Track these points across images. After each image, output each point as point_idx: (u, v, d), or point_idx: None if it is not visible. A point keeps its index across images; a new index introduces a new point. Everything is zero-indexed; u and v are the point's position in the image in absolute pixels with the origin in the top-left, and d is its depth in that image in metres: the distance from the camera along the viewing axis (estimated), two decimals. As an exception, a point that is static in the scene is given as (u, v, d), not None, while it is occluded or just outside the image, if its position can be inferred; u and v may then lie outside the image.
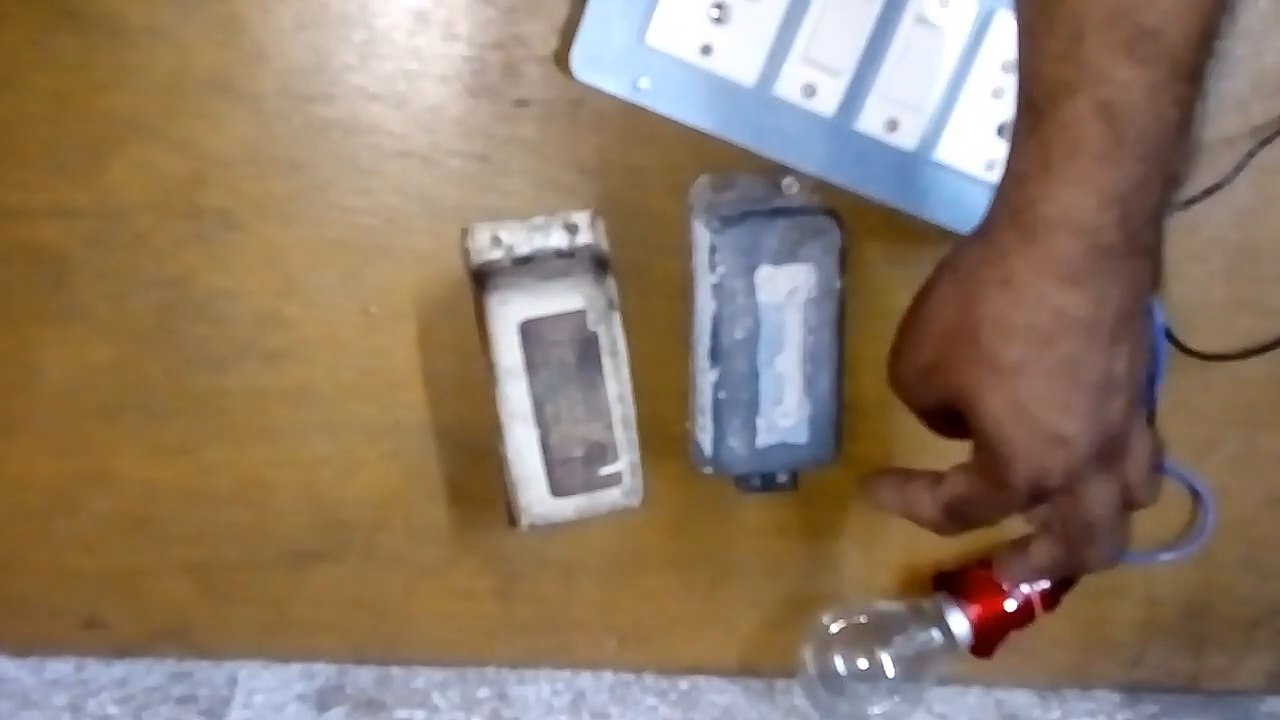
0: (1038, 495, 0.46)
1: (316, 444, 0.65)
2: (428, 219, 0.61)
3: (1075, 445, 0.45)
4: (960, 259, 0.47)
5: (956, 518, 0.50)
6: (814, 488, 0.65)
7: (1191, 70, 0.41)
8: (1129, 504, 0.49)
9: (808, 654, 0.66)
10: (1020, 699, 0.73)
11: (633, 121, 0.59)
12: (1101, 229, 0.42)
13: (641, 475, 0.59)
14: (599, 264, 0.57)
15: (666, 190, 0.61)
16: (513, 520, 0.59)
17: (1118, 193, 0.42)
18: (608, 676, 0.71)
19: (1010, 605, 0.65)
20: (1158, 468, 0.50)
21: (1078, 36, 0.41)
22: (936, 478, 0.50)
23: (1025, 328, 0.44)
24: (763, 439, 0.61)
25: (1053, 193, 0.42)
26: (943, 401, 0.48)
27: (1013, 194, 0.44)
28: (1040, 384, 0.44)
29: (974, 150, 0.61)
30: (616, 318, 0.57)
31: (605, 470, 0.58)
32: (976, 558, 0.68)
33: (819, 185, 0.61)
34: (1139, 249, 0.44)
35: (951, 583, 0.67)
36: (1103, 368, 0.45)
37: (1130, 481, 0.49)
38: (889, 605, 0.67)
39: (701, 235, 0.59)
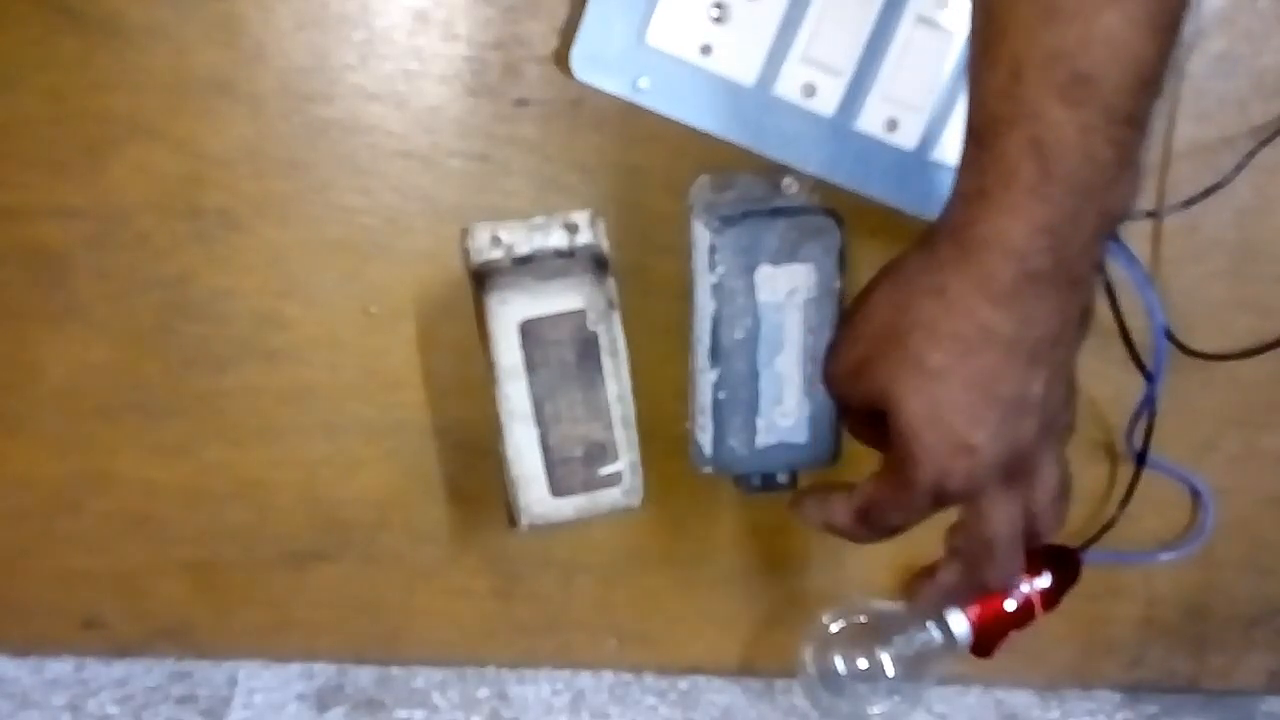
0: (940, 498, 0.49)
1: (316, 444, 0.65)
2: (428, 219, 0.61)
3: (980, 455, 0.47)
4: (902, 265, 0.49)
5: (868, 521, 0.52)
6: (814, 488, 0.65)
7: (1128, 115, 0.43)
8: (1031, 532, 0.52)
9: (808, 654, 0.66)
10: (1020, 699, 0.73)
11: (633, 121, 0.59)
12: (1031, 255, 0.44)
13: (641, 475, 0.59)
14: (599, 264, 0.57)
15: (666, 190, 0.61)
16: (513, 520, 0.59)
17: (1048, 224, 0.44)
18: (608, 676, 0.71)
19: (1010, 605, 0.65)
20: (1063, 499, 0.52)
21: (1016, 75, 0.43)
22: (851, 487, 0.53)
23: (951, 336, 0.46)
24: (762, 439, 0.61)
25: (987, 217, 0.45)
26: (868, 399, 0.50)
27: (954, 212, 0.46)
28: (958, 391, 0.46)
29: (974, 150, 0.61)
30: (616, 318, 0.57)
31: (605, 470, 0.58)
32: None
33: (819, 185, 0.61)
34: (1069, 279, 0.46)
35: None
36: (1018, 386, 0.47)
37: (1035, 509, 0.51)
38: (889, 605, 0.67)
39: (701, 235, 0.59)
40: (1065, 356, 0.49)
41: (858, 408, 0.52)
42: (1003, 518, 0.50)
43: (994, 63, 0.44)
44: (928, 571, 0.55)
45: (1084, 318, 0.49)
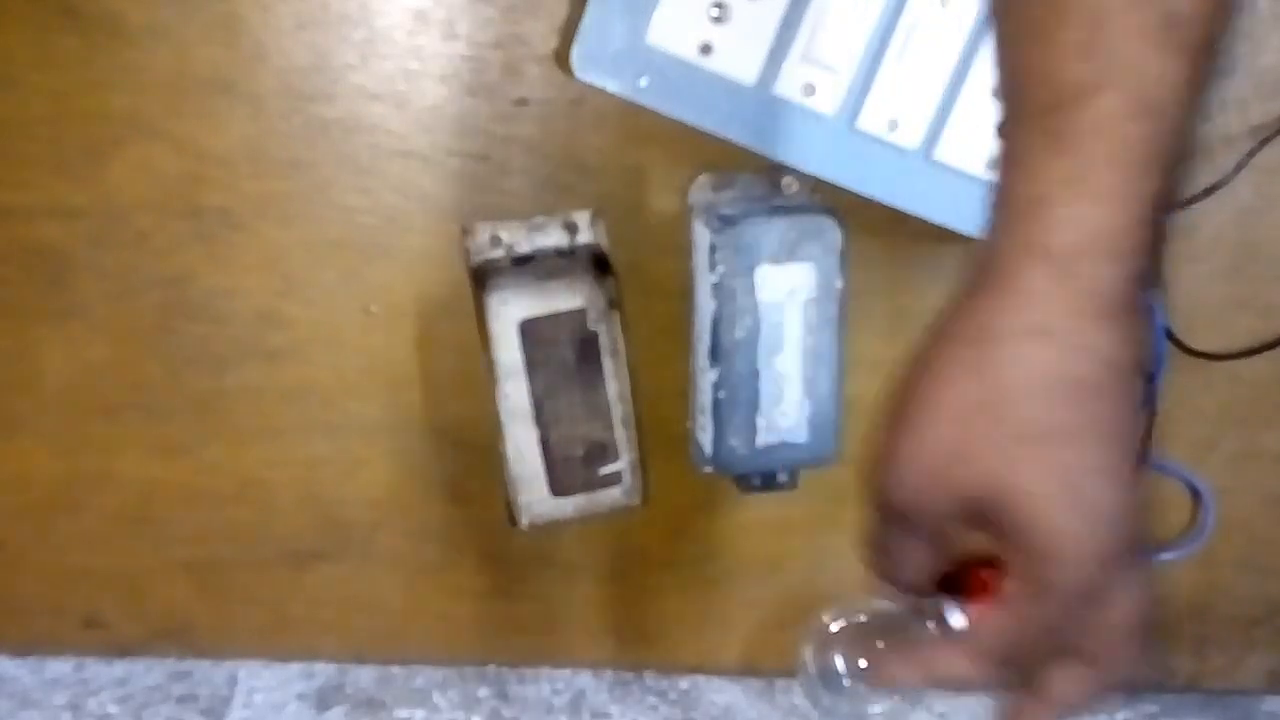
0: (1087, 595, 0.38)
1: (316, 444, 0.65)
2: (428, 218, 0.61)
3: (1122, 525, 0.37)
4: (964, 318, 0.38)
5: (1009, 663, 0.41)
6: (814, 487, 0.65)
7: (1214, 68, 0.36)
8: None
9: (808, 654, 0.66)
10: (1020, 699, 0.73)
11: (633, 121, 0.59)
12: (1134, 251, 0.36)
13: (641, 475, 0.59)
14: (599, 263, 0.58)
15: (666, 190, 0.61)
16: (513, 520, 0.59)
17: (1152, 208, 0.36)
18: (608, 676, 0.71)
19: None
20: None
21: (1097, 24, 0.35)
22: (951, 634, 0.43)
23: (1068, 381, 0.36)
24: (763, 438, 0.61)
25: (1082, 214, 0.36)
26: (966, 501, 0.38)
27: (1025, 226, 0.37)
28: (1091, 451, 0.36)
29: (974, 150, 0.61)
30: (616, 317, 0.57)
31: (605, 470, 0.58)
32: (976, 558, 0.68)
33: (819, 185, 0.61)
34: (1147, 283, 0.37)
35: (952, 582, 0.67)
36: (1133, 426, 0.37)
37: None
38: (889, 605, 0.67)
39: (701, 235, 0.59)
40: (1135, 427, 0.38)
41: (944, 516, 0.40)
42: (1138, 594, 0.39)
43: (1063, 16, 0.36)
44: (1029, 694, 0.42)
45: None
